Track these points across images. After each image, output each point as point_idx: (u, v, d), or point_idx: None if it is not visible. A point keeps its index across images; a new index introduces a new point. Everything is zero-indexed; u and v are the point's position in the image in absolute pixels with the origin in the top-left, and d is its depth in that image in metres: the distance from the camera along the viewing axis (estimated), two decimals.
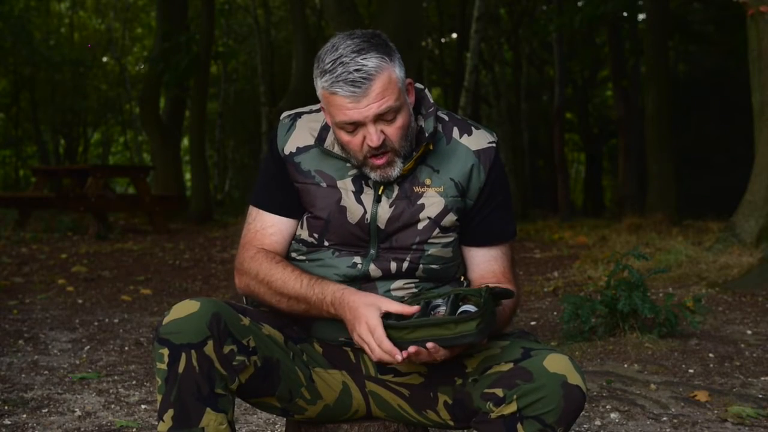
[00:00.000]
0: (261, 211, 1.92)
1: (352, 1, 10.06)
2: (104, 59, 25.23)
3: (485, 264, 1.90)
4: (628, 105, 16.54)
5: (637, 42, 16.56)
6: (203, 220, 12.82)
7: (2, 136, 25.04)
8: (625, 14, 16.23)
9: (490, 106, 21.03)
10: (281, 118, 1.94)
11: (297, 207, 1.89)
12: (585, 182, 24.33)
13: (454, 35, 21.35)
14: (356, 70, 1.70)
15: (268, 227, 1.90)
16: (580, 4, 15.69)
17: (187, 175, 19.42)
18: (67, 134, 25.32)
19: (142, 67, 24.01)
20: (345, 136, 1.78)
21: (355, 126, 1.75)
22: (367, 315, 1.68)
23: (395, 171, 1.79)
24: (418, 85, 1.91)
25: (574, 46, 20.34)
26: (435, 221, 1.83)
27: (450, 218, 1.84)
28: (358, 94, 1.71)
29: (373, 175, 1.80)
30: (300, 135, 1.89)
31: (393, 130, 1.76)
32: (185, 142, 18.65)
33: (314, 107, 1.94)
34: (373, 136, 1.74)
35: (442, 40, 22.52)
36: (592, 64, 21.64)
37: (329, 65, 1.72)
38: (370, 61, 1.71)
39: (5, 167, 26.71)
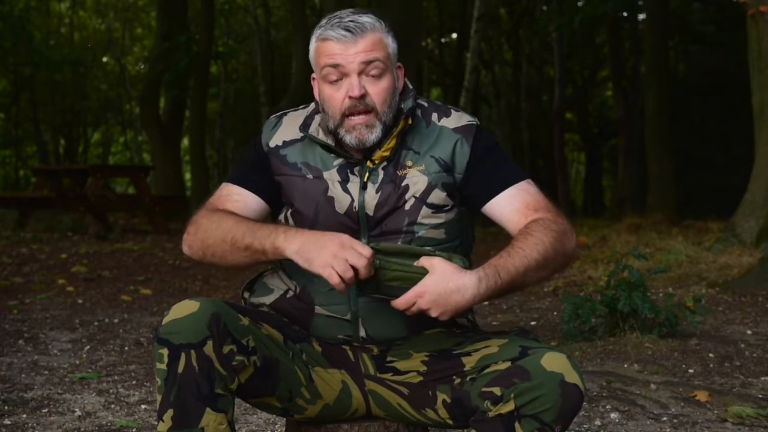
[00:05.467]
0: (229, 184, 1.92)
1: (352, 1, 10.07)
2: (104, 59, 25.24)
3: (504, 207, 1.82)
4: (628, 105, 16.54)
5: (637, 42, 16.57)
6: None
7: (2, 136, 25.03)
8: (625, 14, 16.25)
9: (490, 106, 21.05)
10: (269, 118, 1.97)
11: (268, 192, 1.89)
12: (585, 182, 24.33)
13: (454, 35, 21.35)
14: (351, 21, 1.76)
15: (233, 194, 1.89)
16: (580, 4, 15.70)
17: (187, 175, 19.41)
18: (67, 134, 25.32)
19: (142, 67, 24.01)
20: (328, 89, 1.79)
21: (340, 75, 1.77)
22: (340, 235, 1.67)
23: (372, 136, 1.79)
24: None
25: (574, 46, 20.35)
26: (421, 199, 1.82)
27: (437, 195, 1.83)
28: (348, 39, 1.75)
29: (349, 138, 1.79)
30: (287, 130, 1.92)
31: (377, 89, 1.78)
32: (185, 142, 18.65)
33: (300, 107, 1.97)
34: (355, 86, 1.76)
35: (442, 40, 22.53)
36: (592, 64, 21.65)
37: (325, 21, 1.80)
38: (366, 18, 1.78)
39: (5, 167, 26.71)
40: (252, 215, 1.87)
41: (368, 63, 1.76)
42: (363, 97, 1.76)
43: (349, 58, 1.75)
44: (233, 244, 1.76)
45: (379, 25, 1.79)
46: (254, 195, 1.89)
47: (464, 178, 1.85)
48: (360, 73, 1.76)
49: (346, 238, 1.66)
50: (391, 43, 1.81)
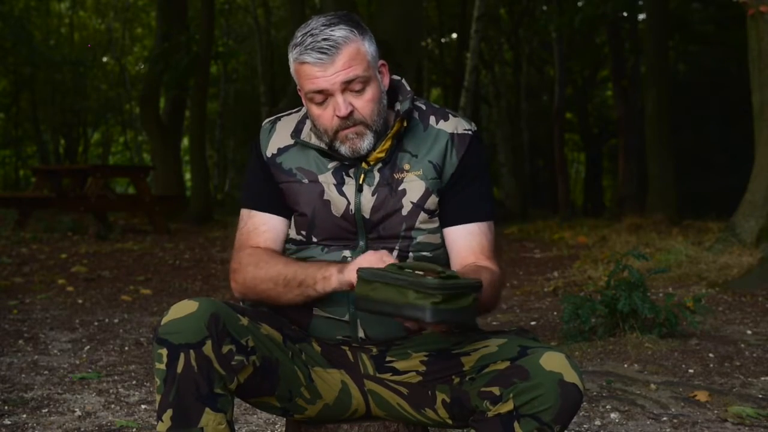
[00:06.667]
0: (252, 212, 1.92)
1: (352, 1, 10.06)
2: (104, 59, 25.25)
3: (461, 241, 1.86)
4: (628, 105, 16.55)
5: (637, 42, 16.57)
6: (203, 220, 12.82)
7: (2, 136, 25.03)
8: (625, 14, 16.25)
9: (490, 106, 21.04)
10: (263, 124, 1.97)
11: (286, 206, 1.90)
12: (585, 182, 24.33)
13: (454, 35, 21.36)
14: (324, 40, 1.74)
15: (260, 226, 1.91)
16: (580, 4, 15.71)
17: (187, 175, 19.41)
18: (67, 134, 25.32)
19: (142, 67, 24.03)
20: (315, 110, 1.80)
21: (325, 97, 1.77)
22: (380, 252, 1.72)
23: (365, 144, 1.80)
24: (395, 77, 1.92)
25: (574, 46, 20.35)
26: (418, 205, 1.83)
27: (433, 200, 1.84)
28: (325, 61, 1.74)
29: (343, 149, 1.80)
30: (280, 137, 1.92)
31: (362, 103, 1.78)
32: (185, 142, 18.65)
33: (293, 110, 1.97)
34: (341, 106, 1.76)
35: (442, 40, 22.53)
36: (592, 64, 21.65)
37: (299, 38, 1.78)
38: (338, 32, 1.75)
39: (5, 167, 26.69)
40: (284, 238, 1.90)
41: (349, 81, 1.76)
42: (350, 113, 1.77)
43: (330, 79, 1.75)
44: (286, 285, 1.81)
45: (353, 34, 1.76)
46: (278, 217, 1.90)
47: (445, 187, 1.86)
48: (343, 91, 1.77)
49: (381, 251, 1.72)
50: (369, 48, 1.79)
